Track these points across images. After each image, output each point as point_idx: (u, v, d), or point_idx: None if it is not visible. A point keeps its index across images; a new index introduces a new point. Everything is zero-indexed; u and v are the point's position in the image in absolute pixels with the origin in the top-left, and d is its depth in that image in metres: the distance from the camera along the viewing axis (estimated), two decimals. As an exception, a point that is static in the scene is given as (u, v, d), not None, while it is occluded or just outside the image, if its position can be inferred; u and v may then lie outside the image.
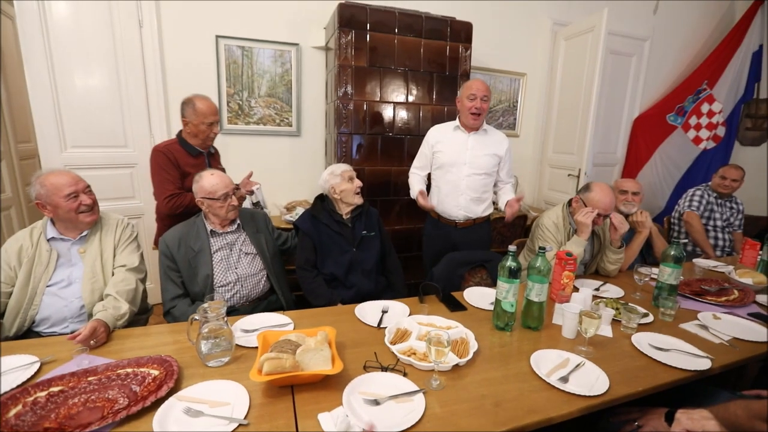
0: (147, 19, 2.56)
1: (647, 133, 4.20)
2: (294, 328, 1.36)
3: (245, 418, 0.91)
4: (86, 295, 1.45)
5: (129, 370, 1.05)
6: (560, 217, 1.97)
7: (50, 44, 2.36)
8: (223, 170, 2.21)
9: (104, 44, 2.49)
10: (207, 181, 1.59)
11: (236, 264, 1.66)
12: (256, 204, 2.21)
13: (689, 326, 1.46)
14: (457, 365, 1.14)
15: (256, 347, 1.16)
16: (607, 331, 1.39)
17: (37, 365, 1.09)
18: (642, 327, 1.43)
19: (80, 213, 1.46)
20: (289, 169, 3.10)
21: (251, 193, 2.14)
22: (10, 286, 1.40)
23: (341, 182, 1.79)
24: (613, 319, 1.46)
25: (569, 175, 3.54)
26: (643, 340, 1.33)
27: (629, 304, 1.57)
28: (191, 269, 1.59)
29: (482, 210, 2.13)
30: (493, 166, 2.09)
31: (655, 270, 1.86)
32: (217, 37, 2.72)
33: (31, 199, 1.49)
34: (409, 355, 1.17)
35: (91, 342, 1.22)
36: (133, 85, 2.61)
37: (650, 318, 1.50)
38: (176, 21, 2.64)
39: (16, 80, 2.90)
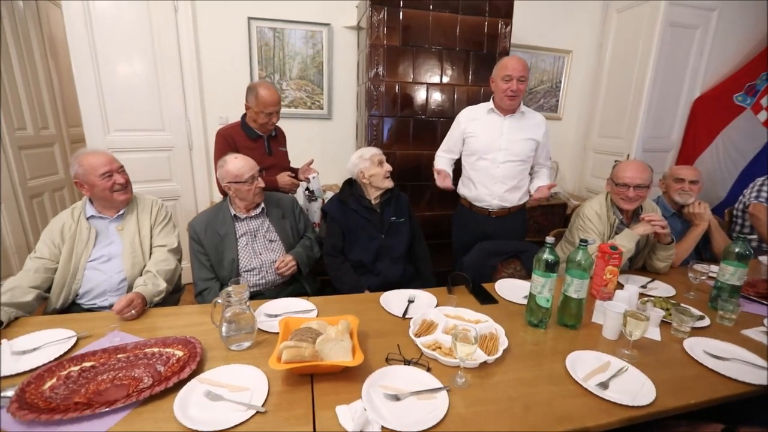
0: (182, 4, 2.58)
1: (709, 115, 3.79)
2: (317, 315, 1.34)
3: (263, 405, 0.90)
4: (128, 268, 1.53)
5: (156, 349, 1.08)
6: (603, 206, 1.82)
7: (93, 32, 2.44)
8: (286, 154, 2.24)
9: (142, 31, 2.54)
10: (233, 165, 1.58)
11: (261, 250, 1.66)
12: (311, 193, 2.19)
13: (753, 333, 1.30)
14: (484, 363, 1.07)
15: (278, 333, 1.15)
16: (655, 333, 1.26)
17: (74, 339, 1.14)
18: (696, 331, 1.29)
19: (114, 192, 1.52)
20: (320, 152, 3.07)
21: (308, 180, 2.14)
22: (55, 263, 1.48)
23: (371, 166, 1.73)
24: (662, 321, 1.32)
25: (616, 161, 3.27)
26: (697, 346, 1.19)
27: (681, 304, 1.42)
28: (218, 253, 1.60)
29: (518, 198, 2.01)
30: (530, 152, 1.95)
31: (713, 267, 1.68)
32: (249, 18, 2.70)
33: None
34: (434, 349, 1.11)
35: (132, 312, 1.28)
36: (169, 70, 2.65)
37: (706, 321, 1.35)
38: (209, 4, 2.64)
39: (66, 68, 3.05)
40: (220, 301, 1.13)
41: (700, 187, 2.06)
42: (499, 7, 2.53)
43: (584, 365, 1.08)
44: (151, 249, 1.61)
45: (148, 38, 2.57)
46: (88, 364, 1.00)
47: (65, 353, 1.09)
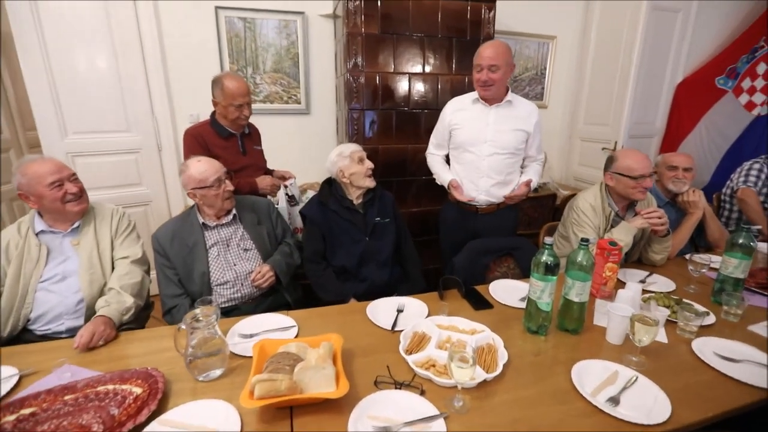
0: (141, -9, 2.38)
1: (692, 99, 3.77)
2: (298, 332, 1.22)
3: (234, 449, 0.78)
4: (84, 286, 1.37)
5: (110, 386, 0.94)
6: (598, 198, 1.73)
7: (42, 25, 2.21)
8: (261, 152, 2.09)
9: (98, 23, 2.33)
10: (195, 169, 1.43)
11: (234, 261, 1.52)
12: (291, 197, 2.07)
13: (759, 328, 1.23)
14: (484, 381, 0.97)
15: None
16: (661, 335, 1.18)
17: (16, 379, 1.00)
18: (702, 330, 1.22)
19: (67, 203, 1.36)
20: (299, 149, 2.92)
21: (285, 187, 2.02)
22: (0, 286, 1.31)
23: (350, 164, 1.60)
24: (666, 320, 1.25)
25: (603, 148, 3.22)
26: (706, 348, 1.12)
27: (684, 300, 1.36)
28: (186, 267, 1.45)
29: (507, 193, 1.90)
30: (519, 144, 1.81)
31: (714, 258, 1.62)
32: (217, 8, 2.51)
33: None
34: (427, 368, 1.01)
35: (100, 342, 1.15)
36: (132, 65, 2.45)
37: (711, 318, 1.28)
38: (172, -8, 2.45)
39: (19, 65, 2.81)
40: (183, 326, 0.99)
41: (694, 174, 2.01)
42: (481, -9, 2.41)
43: (591, 377, 0.99)
44: (112, 263, 1.46)
45: (106, 30, 2.36)
46: (27, 411, 0.86)
47: (5, 396, 0.94)
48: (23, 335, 1.35)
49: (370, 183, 1.64)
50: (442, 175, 1.94)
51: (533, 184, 1.86)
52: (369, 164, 1.62)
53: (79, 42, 2.31)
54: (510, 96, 1.80)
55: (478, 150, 1.82)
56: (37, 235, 1.37)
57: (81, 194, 1.41)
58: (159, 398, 0.89)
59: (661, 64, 3.57)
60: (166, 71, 2.55)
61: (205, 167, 1.44)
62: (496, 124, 1.80)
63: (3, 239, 1.35)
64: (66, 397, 0.90)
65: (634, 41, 2.82)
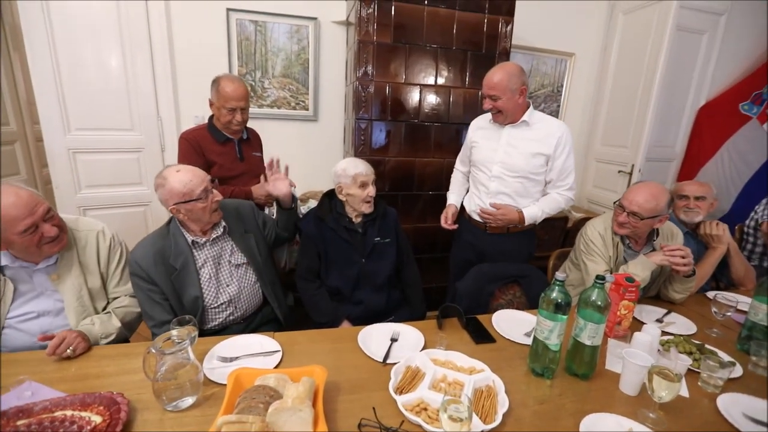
0: (154, -9, 2.36)
1: (714, 124, 3.63)
2: (282, 358, 1.12)
3: (192, 502, 0.69)
4: (75, 325, 1.21)
5: (69, 412, 0.85)
6: (609, 228, 1.61)
7: (51, 21, 2.20)
8: (260, 159, 1.99)
9: (109, 22, 2.31)
10: (176, 181, 1.24)
11: (228, 281, 1.38)
12: None
13: (793, 385, 1.11)
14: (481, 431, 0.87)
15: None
16: (682, 389, 1.06)
17: (-28, 396, 0.92)
18: (728, 383, 1.09)
19: (44, 245, 1.14)
20: (304, 156, 2.85)
21: None
22: None
23: (351, 185, 1.49)
24: (687, 369, 1.13)
25: (620, 171, 3.10)
26: (733, 407, 1.00)
27: (707, 346, 1.24)
28: (175, 291, 1.29)
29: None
30: (535, 168, 1.68)
31: (740, 298, 1.49)
32: (228, 10, 2.48)
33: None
34: (418, 413, 0.90)
35: (68, 351, 1.07)
36: (140, 64, 2.42)
37: (738, 371, 1.15)
38: (185, -7, 2.42)
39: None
40: (153, 350, 0.91)
41: (711, 203, 1.88)
42: (499, 4, 2.33)
43: (602, 436, 0.88)
44: (107, 296, 1.30)
45: (116, 30, 2.34)
46: (-28, 438, 0.78)
47: (-44, 416, 0.86)
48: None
49: (367, 209, 1.52)
50: (449, 195, 2.00)
51: (531, 217, 1.72)
52: (371, 191, 1.49)
53: (88, 39, 2.29)
54: (527, 116, 1.68)
55: (487, 170, 1.75)
56: (1, 270, 1.15)
57: (60, 232, 1.16)
58: (119, 430, 0.80)
59: (683, 87, 3.45)
60: (174, 71, 2.52)
61: (188, 177, 1.26)
62: (508, 146, 1.71)
63: None
64: (19, 422, 0.82)
65: (657, 62, 2.71)
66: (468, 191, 1.94)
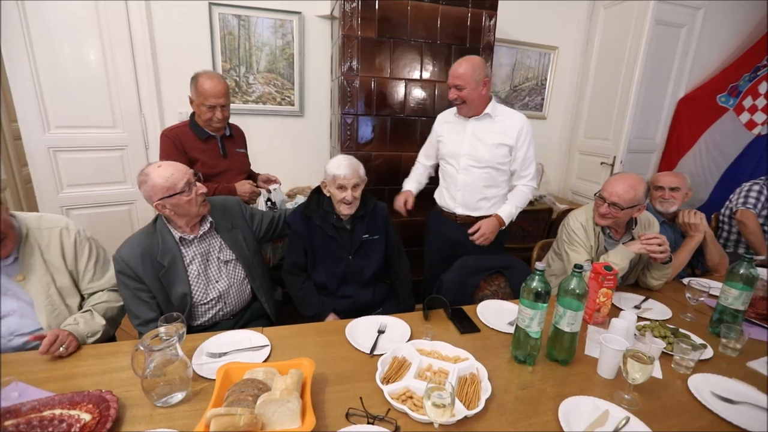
0: (133, -16, 2.31)
1: (693, 115, 3.73)
2: (271, 352, 1.14)
3: (183, 493, 0.70)
4: (46, 324, 1.19)
5: (57, 411, 0.86)
6: (590, 219, 1.66)
7: (26, 17, 2.13)
8: (244, 155, 1.99)
9: (87, 14, 2.25)
10: (158, 176, 1.23)
11: (216, 278, 1.38)
12: (273, 204, 1.94)
13: (760, 365, 1.17)
14: (465, 417, 0.90)
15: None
16: (656, 370, 1.11)
17: (-43, 398, 0.91)
18: (699, 364, 1.15)
19: None
20: (291, 152, 2.85)
21: (268, 191, 1.92)
22: None
23: (330, 184, 1.49)
24: (662, 352, 1.18)
25: (602, 163, 3.17)
26: (703, 386, 1.05)
27: (681, 330, 1.30)
28: (162, 289, 1.29)
29: (488, 208, 1.84)
30: (499, 158, 1.76)
31: (713, 283, 1.55)
32: (211, 4, 2.44)
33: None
34: (404, 401, 0.93)
35: (61, 348, 1.08)
36: (121, 60, 2.38)
37: (709, 352, 1.21)
38: (165, -14, 2.38)
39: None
40: (141, 347, 0.92)
41: (685, 193, 1.93)
42: (483, -3, 2.35)
43: (579, 417, 0.92)
44: (80, 293, 1.29)
45: (94, 23, 2.28)
46: (-41, 439, 0.78)
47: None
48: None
49: (345, 210, 1.49)
50: (406, 183, 2.02)
51: (509, 216, 1.79)
52: (346, 195, 1.46)
53: (66, 35, 2.24)
54: (490, 108, 1.75)
55: (456, 162, 1.83)
56: None
57: (8, 233, 1.11)
58: (109, 428, 0.81)
59: (663, 79, 3.53)
60: (156, 67, 2.48)
61: (170, 171, 1.25)
62: (473, 137, 1.78)
63: None
64: (7, 422, 0.83)
65: (637, 55, 2.77)
66: (438, 186, 2.01)
